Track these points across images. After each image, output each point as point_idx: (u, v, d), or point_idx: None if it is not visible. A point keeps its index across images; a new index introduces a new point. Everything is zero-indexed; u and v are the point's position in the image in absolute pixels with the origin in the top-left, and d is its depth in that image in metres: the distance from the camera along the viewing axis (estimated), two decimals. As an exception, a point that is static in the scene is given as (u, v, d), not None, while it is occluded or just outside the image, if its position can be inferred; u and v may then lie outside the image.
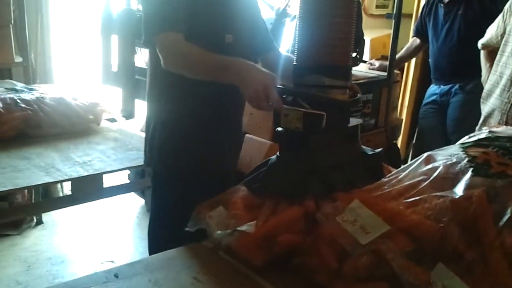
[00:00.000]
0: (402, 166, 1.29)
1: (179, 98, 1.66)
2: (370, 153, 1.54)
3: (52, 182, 2.01)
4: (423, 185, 1.13)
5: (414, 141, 4.05)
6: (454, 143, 1.44)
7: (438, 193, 1.09)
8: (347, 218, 1.09)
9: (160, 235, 1.81)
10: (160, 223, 1.82)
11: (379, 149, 1.58)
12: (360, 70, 3.48)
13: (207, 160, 1.73)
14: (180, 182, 1.71)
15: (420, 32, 3.59)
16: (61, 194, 3.50)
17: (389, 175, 1.25)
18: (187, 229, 1.40)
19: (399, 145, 4.10)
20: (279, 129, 1.47)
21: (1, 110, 2.38)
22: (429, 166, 1.19)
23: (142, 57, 2.88)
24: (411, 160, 3.75)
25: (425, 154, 1.26)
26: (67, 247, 3.19)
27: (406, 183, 1.17)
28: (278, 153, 1.52)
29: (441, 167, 1.17)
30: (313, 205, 1.24)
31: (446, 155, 1.22)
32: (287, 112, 1.40)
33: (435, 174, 1.15)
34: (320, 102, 1.38)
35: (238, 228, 1.27)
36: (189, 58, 1.51)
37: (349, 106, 1.54)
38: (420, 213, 1.08)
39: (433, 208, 1.07)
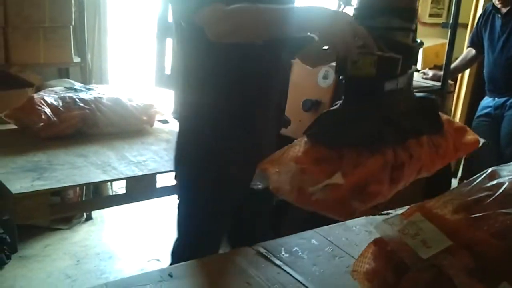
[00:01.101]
0: (465, 181, 1.26)
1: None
2: (427, 98, 1.49)
3: (108, 180, 2.07)
4: (488, 201, 1.10)
5: (465, 153, 3.94)
6: (508, 157, 1.40)
7: (504, 210, 1.06)
8: (408, 231, 1.08)
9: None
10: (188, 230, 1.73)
11: (432, 96, 1.52)
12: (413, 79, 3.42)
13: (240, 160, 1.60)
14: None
15: (476, 42, 3.51)
16: (110, 192, 3.59)
17: (451, 189, 1.23)
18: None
19: (449, 157, 3.99)
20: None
21: (61, 108, 2.47)
22: (494, 182, 1.16)
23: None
24: (462, 173, 3.68)
25: (489, 170, 1.22)
26: (115, 243, 3.27)
27: (469, 198, 1.14)
28: (341, 103, 1.43)
29: (506, 183, 1.13)
30: (392, 154, 1.21)
31: (511, 171, 1.19)
32: (356, 59, 1.31)
33: (500, 191, 1.11)
34: (393, 45, 1.30)
35: (328, 181, 1.21)
36: (243, 14, 1.35)
37: (418, 50, 1.47)
38: (485, 230, 1.05)
39: (498, 225, 1.04)
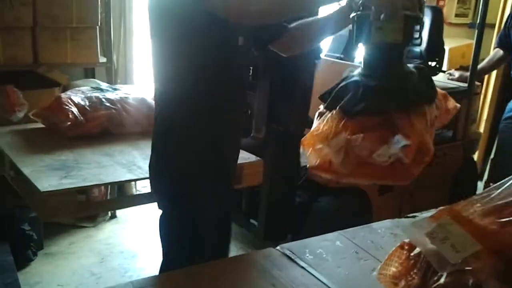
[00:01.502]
0: (493, 185, 1.24)
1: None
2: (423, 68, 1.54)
3: (134, 180, 2.09)
4: (519, 205, 1.08)
5: (492, 156, 3.88)
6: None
7: (535, 214, 1.04)
8: (437, 235, 1.06)
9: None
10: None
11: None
12: (439, 80, 3.38)
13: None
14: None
15: (504, 43, 3.45)
16: (135, 191, 3.62)
17: (481, 192, 1.21)
18: None
19: (476, 160, 3.94)
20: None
21: (87, 108, 2.51)
22: (525, 185, 1.14)
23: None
24: (488, 176, 3.62)
25: (519, 173, 1.20)
26: (139, 242, 3.30)
27: (499, 202, 1.12)
28: (360, 73, 1.45)
29: (538, 187, 1.11)
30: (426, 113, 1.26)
31: (542, 175, 1.17)
32: (380, 25, 1.30)
33: (531, 194, 1.09)
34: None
35: (396, 145, 1.25)
36: None
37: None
38: (515, 234, 1.03)
39: (530, 230, 1.02)
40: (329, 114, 1.41)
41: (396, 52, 1.35)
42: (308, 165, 1.80)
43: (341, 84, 1.46)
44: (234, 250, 3.22)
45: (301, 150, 1.78)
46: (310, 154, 1.38)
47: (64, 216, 1.99)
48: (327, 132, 1.37)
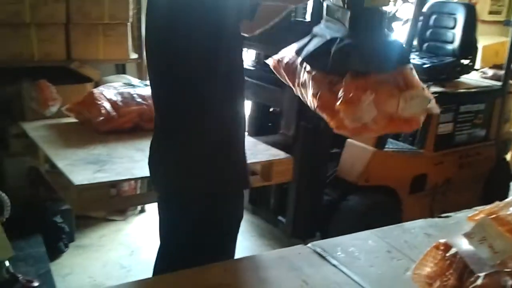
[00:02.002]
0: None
1: None
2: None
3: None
4: (559, 206, 1.06)
5: (525, 156, 3.80)
6: None
7: None
8: (475, 235, 1.05)
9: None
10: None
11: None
12: (472, 78, 3.32)
13: None
14: None
15: (540, 41, 3.36)
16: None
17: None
18: None
19: (508, 160, 3.86)
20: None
21: (120, 103, 2.54)
22: None
23: (248, 58, 2.95)
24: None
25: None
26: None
27: (539, 203, 1.10)
28: (348, 34, 1.47)
29: None
30: None
31: None
32: None
33: None
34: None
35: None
36: None
37: None
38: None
39: None
40: (343, 80, 1.45)
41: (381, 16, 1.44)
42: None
43: (333, 49, 1.46)
44: (261, 247, 3.23)
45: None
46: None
47: (97, 209, 2.02)
48: (345, 95, 1.41)
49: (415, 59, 3.25)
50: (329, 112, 1.48)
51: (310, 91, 1.52)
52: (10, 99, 2.97)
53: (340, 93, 1.39)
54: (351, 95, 1.38)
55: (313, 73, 1.51)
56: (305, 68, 1.55)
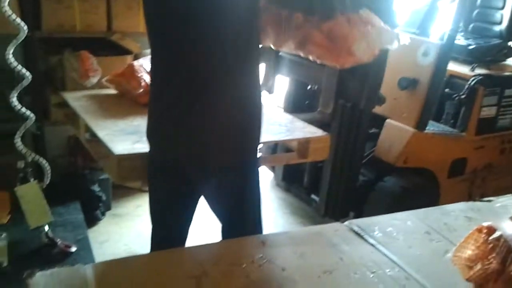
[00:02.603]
0: None
1: None
2: None
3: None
4: None
5: None
6: None
7: None
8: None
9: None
10: None
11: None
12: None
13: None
14: None
15: None
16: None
17: None
18: None
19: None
20: None
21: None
22: None
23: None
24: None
25: None
26: (202, 209, 3.36)
27: None
28: None
29: None
30: None
31: None
32: None
33: None
34: None
35: None
36: None
37: None
38: None
39: None
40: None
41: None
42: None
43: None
44: (293, 224, 3.24)
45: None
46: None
47: (135, 179, 2.04)
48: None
49: (460, 39, 3.15)
50: (324, 49, 1.53)
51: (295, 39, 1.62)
52: (52, 69, 3.03)
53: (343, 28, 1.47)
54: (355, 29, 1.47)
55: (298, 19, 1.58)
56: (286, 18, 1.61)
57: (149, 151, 1.70)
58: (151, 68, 1.65)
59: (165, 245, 1.74)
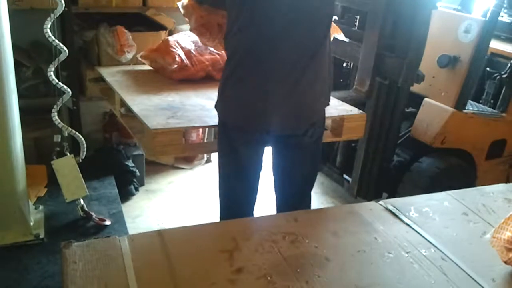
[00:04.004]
0: None
1: None
2: None
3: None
4: None
5: None
6: None
7: None
8: None
9: None
10: None
11: None
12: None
13: None
14: None
15: None
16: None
17: None
18: None
19: None
20: None
21: (193, 52, 2.54)
22: None
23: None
24: None
25: None
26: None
27: None
28: None
29: None
30: None
31: None
32: None
33: None
34: None
35: None
36: None
37: None
38: None
39: None
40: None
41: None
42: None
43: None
44: (324, 204, 3.21)
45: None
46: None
47: (170, 154, 2.06)
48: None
49: (503, 16, 3.03)
50: None
51: None
52: (88, 44, 3.06)
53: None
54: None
55: None
56: None
57: (228, 117, 1.84)
58: (235, 44, 1.77)
59: (236, 212, 1.89)
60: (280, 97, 1.72)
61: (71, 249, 1.18)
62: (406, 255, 1.25)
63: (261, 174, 1.96)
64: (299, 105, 1.76)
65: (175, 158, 3.60)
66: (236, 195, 1.95)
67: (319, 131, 1.90)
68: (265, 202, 2.49)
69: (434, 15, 2.32)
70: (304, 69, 1.72)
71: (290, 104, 1.74)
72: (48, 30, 2.23)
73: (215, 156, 3.68)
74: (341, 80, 3.11)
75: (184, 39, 2.61)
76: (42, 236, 2.29)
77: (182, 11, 2.13)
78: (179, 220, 2.95)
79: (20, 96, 2.24)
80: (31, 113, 2.76)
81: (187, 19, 2.12)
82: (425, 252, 1.27)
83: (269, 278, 1.12)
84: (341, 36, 2.35)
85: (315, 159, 1.97)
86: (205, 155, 3.72)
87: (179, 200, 3.19)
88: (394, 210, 1.45)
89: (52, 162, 2.41)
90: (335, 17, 2.95)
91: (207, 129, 3.52)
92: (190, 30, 2.16)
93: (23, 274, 2.06)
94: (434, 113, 2.67)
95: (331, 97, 2.37)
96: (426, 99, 2.73)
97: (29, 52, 2.97)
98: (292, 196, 1.98)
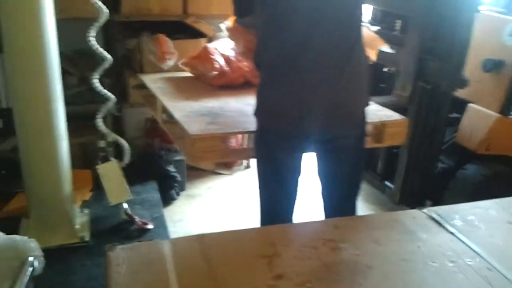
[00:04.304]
0: None
1: None
2: None
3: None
4: None
5: None
6: None
7: None
8: None
9: None
10: None
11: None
12: None
13: None
14: None
15: None
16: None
17: None
18: None
19: None
20: None
21: (232, 58, 2.57)
22: None
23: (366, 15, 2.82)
24: None
25: None
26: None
27: None
28: None
29: None
30: None
31: None
32: None
33: None
34: None
35: None
36: None
37: None
38: None
39: None
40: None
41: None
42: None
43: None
44: (364, 211, 3.15)
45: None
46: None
47: (209, 159, 2.08)
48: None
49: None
50: None
51: None
52: (130, 52, 3.13)
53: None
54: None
55: None
56: None
57: (267, 124, 1.85)
58: (268, 50, 1.78)
59: (276, 218, 1.92)
60: (317, 100, 1.72)
61: (115, 252, 1.20)
62: (451, 264, 1.21)
63: (299, 180, 1.95)
64: (337, 107, 1.75)
65: (215, 164, 3.64)
66: (275, 201, 1.95)
67: (361, 131, 1.88)
68: (304, 209, 2.48)
69: (478, 18, 2.27)
70: (339, 72, 1.71)
71: (328, 107, 1.73)
72: (93, 38, 2.30)
73: (254, 162, 3.72)
74: (382, 85, 3.07)
75: (224, 46, 2.64)
76: (87, 239, 2.35)
77: (227, 33, 2.15)
78: (219, 225, 2.98)
79: (66, 103, 2.31)
80: (77, 119, 2.84)
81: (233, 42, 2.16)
82: (470, 261, 1.23)
83: (309, 285, 1.11)
84: (386, 48, 2.30)
85: (360, 161, 1.94)
86: (245, 161, 3.74)
87: (219, 205, 3.22)
88: (438, 218, 1.42)
89: (97, 167, 2.48)
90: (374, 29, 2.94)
91: (246, 135, 3.56)
92: (239, 53, 2.18)
93: (68, 276, 2.12)
94: (478, 118, 2.60)
95: (372, 103, 2.35)
96: (470, 104, 2.66)
97: (74, 60, 3.07)
98: (339, 201, 1.97)
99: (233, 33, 2.12)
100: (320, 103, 1.72)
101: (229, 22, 2.17)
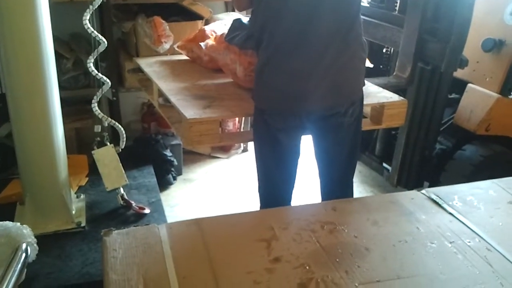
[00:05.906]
0: None
1: None
2: None
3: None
4: None
5: None
6: None
7: None
8: None
9: None
10: None
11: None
12: None
13: None
14: None
15: None
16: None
17: None
18: None
19: None
20: None
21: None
22: None
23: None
24: None
25: None
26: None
27: None
28: None
29: None
30: None
31: None
32: None
33: None
34: None
35: None
36: None
37: None
38: None
39: None
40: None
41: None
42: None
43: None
44: (363, 193, 3.16)
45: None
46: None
47: (206, 143, 2.05)
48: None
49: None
50: None
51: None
52: (126, 36, 3.09)
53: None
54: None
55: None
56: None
57: (267, 104, 1.84)
58: (271, 32, 1.77)
59: (275, 200, 1.92)
60: (318, 77, 1.73)
61: (112, 237, 1.19)
62: (450, 245, 1.21)
63: (298, 162, 1.94)
64: (338, 83, 1.78)
65: (212, 148, 3.62)
66: (274, 184, 1.94)
67: (358, 110, 1.89)
68: (303, 193, 2.46)
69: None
70: (339, 50, 1.74)
71: (328, 83, 1.75)
72: (87, 21, 2.26)
73: (251, 145, 3.70)
74: (381, 66, 3.04)
75: (221, 28, 2.60)
76: (83, 224, 2.33)
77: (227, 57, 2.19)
78: (216, 209, 2.97)
79: (61, 87, 2.28)
80: (72, 104, 2.81)
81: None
82: (469, 242, 1.22)
83: (307, 267, 1.10)
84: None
85: (356, 141, 1.95)
86: (242, 145, 3.73)
87: (216, 189, 3.20)
88: (437, 199, 1.41)
89: (92, 152, 2.45)
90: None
91: (243, 118, 3.54)
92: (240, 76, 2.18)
93: (65, 261, 2.11)
94: (478, 99, 2.58)
95: (371, 84, 2.33)
96: (469, 84, 2.64)
97: (69, 44, 3.03)
98: (336, 181, 1.99)
99: (231, 58, 2.18)
100: (321, 80, 1.74)
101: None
